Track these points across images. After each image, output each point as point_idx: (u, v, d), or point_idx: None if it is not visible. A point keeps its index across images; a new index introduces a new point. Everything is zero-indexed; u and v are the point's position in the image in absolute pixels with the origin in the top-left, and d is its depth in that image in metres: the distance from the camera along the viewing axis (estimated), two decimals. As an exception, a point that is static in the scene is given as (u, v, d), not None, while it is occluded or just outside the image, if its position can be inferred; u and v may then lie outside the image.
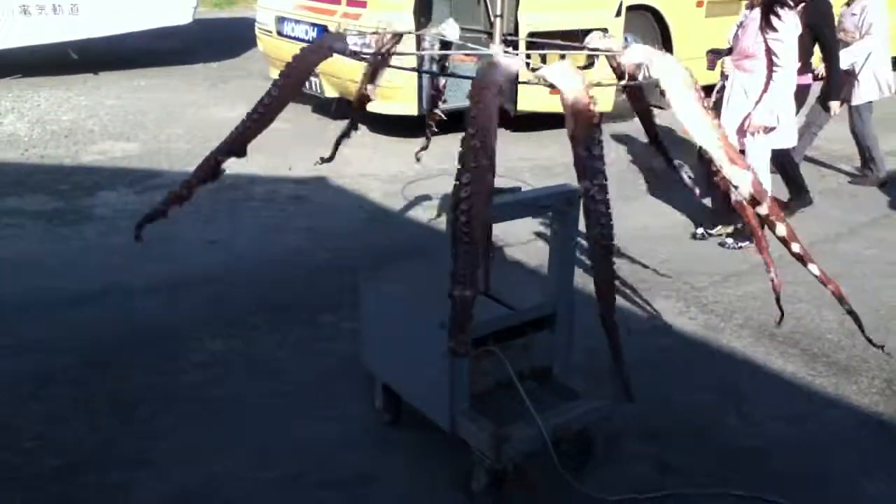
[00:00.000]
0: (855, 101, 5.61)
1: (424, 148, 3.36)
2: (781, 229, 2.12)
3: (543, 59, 6.05)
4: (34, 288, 3.99)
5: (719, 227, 4.73)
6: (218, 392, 3.17)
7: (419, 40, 3.95)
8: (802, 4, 4.78)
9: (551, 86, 2.03)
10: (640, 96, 2.60)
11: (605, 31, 6.47)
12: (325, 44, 2.26)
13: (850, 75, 5.47)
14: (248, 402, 3.11)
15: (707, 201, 4.82)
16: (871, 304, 3.97)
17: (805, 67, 4.87)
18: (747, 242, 4.48)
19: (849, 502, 2.65)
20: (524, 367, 2.69)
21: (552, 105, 6.55)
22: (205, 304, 3.87)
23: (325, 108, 7.12)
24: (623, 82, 2.21)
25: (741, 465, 2.80)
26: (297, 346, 3.50)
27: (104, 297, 3.91)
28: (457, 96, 6.19)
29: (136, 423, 2.97)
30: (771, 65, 4.26)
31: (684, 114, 2.04)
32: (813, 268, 2.17)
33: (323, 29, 6.58)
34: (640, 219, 5.04)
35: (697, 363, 3.48)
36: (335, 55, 2.24)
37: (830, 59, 5.08)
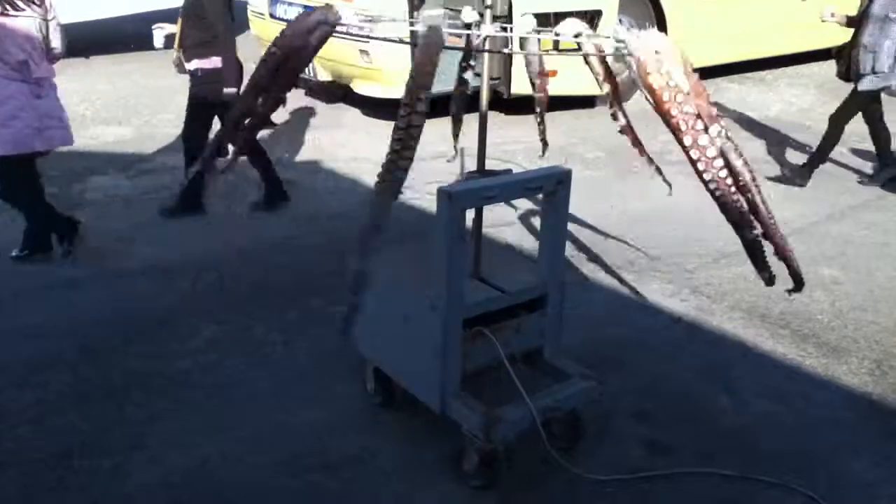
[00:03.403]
0: None
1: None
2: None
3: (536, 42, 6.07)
4: (27, 273, 3.99)
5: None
6: (211, 376, 3.18)
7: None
8: None
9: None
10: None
11: (598, 13, 6.48)
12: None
13: None
14: (241, 387, 3.12)
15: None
16: (865, 285, 3.99)
17: (208, 48, 4.48)
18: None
19: (837, 482, 2.67)
20: (515, 348, 2.70)
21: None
22: (199, 290, 3.87)
23: (318, 92, 7.10)
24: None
25: (731, 444, 2.83)
26: (290, 330, 3.51)
27: (98, 283, 3.91)
28: (444, 80, 6.18)
29: (130, 408, 2.98)
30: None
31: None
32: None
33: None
34: (632, 199, 5.04)
35: (688, 344, 3.49)
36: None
37: (217, 42, 4.50)
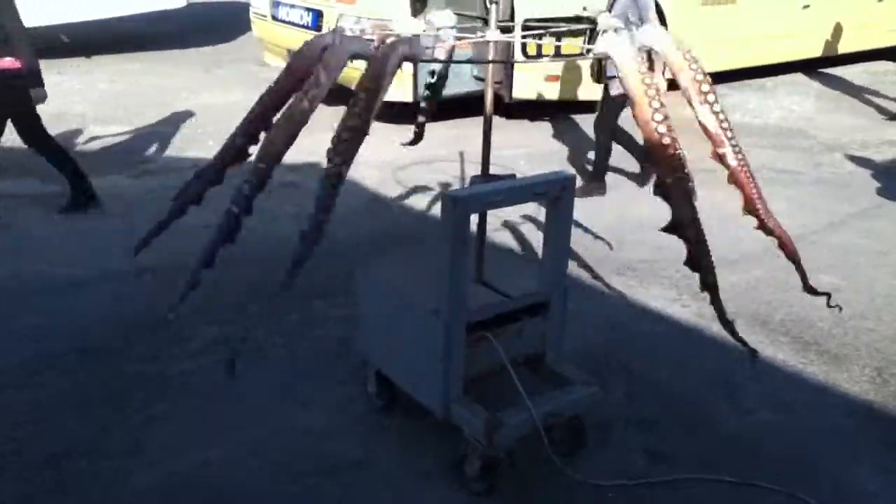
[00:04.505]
0: None
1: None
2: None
3: (539, 46, 6.07)
4: (26, 274, 3.98)
5: None
6: (211, 379, 3.16)
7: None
8: None
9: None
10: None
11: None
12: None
13: None
14: (241, 390, 3.10)
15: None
16: (866, 294, 3.99)
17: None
18: None
19: (838, 489, 2.67)
20: (517, 353, 2.69)
21: (547, 93, 6.55)
22: (199, 291, 3.85)
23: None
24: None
25: (731, 452, 2.82)
26: (290, 332, 3.50)
27: (97, 284, 3.90)
28: (454, 83, 6.19)
29: (129, 410, 2.97)
30: None
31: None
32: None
33: (318, 14, 6.55)
34: (633, 206, 5.04)
35: (689, 351, 3.49)
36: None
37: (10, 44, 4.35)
